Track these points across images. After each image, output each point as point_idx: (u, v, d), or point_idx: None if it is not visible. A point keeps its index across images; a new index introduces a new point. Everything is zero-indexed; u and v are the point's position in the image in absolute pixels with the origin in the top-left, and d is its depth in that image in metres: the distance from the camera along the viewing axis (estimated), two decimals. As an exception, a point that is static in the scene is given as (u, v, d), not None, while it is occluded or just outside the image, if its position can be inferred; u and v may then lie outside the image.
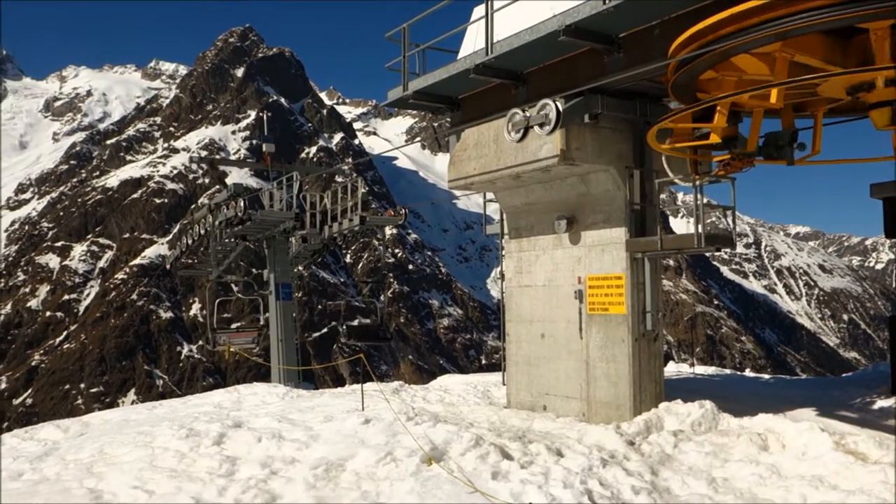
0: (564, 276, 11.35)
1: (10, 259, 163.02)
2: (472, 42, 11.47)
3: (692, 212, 9.80)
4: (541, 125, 9.50)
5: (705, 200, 9.68)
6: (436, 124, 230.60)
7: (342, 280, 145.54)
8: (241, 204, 20.90)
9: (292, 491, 7.75)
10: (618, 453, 8.75)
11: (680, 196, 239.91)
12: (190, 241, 25.52)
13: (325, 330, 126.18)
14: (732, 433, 9.16)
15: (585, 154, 10.16)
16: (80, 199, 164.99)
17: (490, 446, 8.65)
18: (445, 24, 12.30)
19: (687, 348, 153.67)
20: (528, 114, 9.74)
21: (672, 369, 19.15)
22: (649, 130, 9.07)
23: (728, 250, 10.21)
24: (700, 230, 9.44)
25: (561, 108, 9.26)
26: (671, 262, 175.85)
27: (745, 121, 9.06)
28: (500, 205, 12.78)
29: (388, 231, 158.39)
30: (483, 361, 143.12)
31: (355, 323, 17.44)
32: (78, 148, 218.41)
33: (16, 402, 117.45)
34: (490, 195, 13.86)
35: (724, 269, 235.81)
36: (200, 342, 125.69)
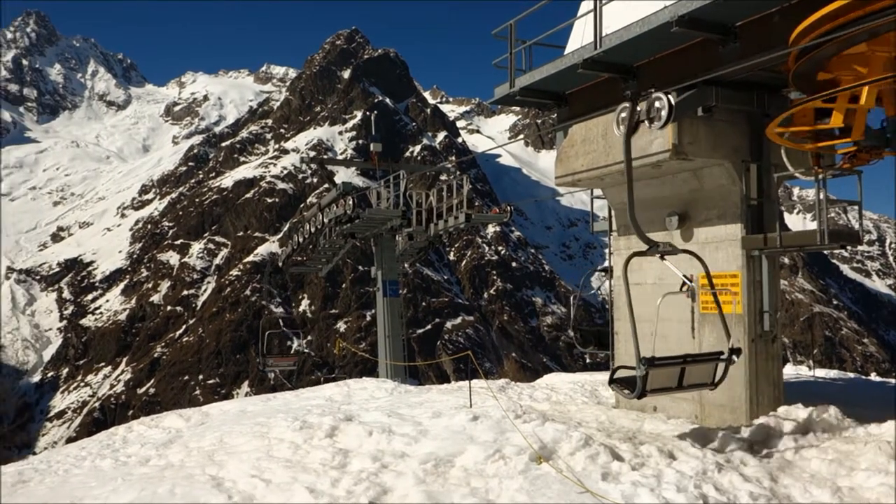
0: (675, 275, 11.04)
1: (135, 256, 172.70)
2: (580, 37, 11.31)
3: (810, 207, 9.35)
4: (652, 119, 9.27)
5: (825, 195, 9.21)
6: (539, 121, 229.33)
7: (445, 277, 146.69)
8: (350, 202, 21.37)
9: (403, 485, 7.86)
10: (734, 458, 8.44)
11: (796, 191, 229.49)
12: (301, 240, 26.28)
13: (429, 327, 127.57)
14: (859, 440, 8.68)
15: (699, 148, 9.86)
16: (197, 199, 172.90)
17: (600, 446, 8.52)
18: (552, 20, 12.21)
19: (803, 350, 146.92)
20: (638, 108, 9.52)
21: (790, 372, 18.37)
22: (769, 123, 8.71)
23: (850, 247, 9.64)
24: (823, 226, 8.99)
25: (673, 102, 9.01)
26: (786, 260, 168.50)
27: (873, 110, 8.55)
28: (609, 201, 12.56)
29: (492, 228, 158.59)
30: (587, 360, 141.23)
31: (586, 327, 15.77)
32: (195, 150, 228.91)
33: (140, 391, 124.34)
34: (597, 192, 13.65)
35: (845, 268, 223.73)
36: (310, 337, 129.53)
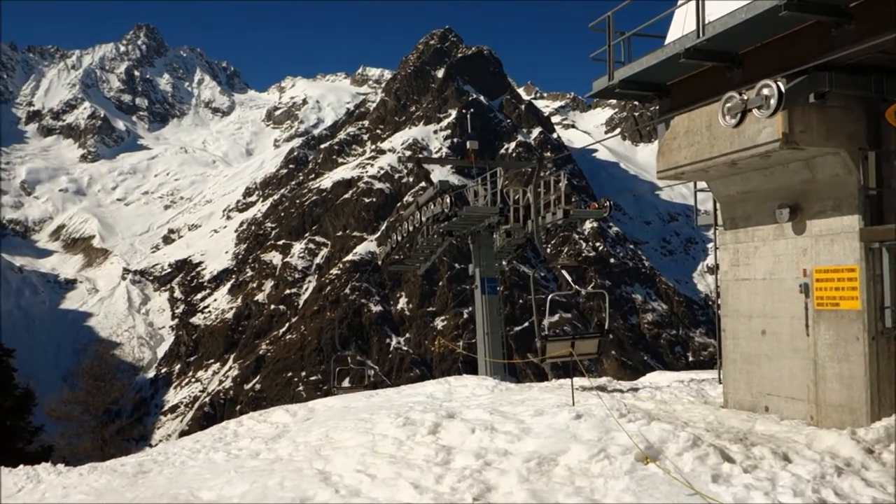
0: (787, 269, 10.60)
1: (240, 257, 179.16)
2: (681, 25, 10.98)
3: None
4: (760, 108, 8.90)
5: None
6: (637, 114, 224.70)
7: (542, 274, 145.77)
8: (448, 200, 21.48)
9: (506, 483, 7.84)
10: (854, 461, 8.02)
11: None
12: (399, 238, 26.60)
13: (526, 324, 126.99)
14: None
15: (811, 137, 9.40)
16: (298, 201, 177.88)
17: (709, 447, 8.26)
18: (651, 10, 11.91)
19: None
20: (745, 96, 9.17)
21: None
22: (887, 108, 8.23)
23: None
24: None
25: (783, 89, 8.63)
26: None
27: None
28: (714, 194, 12.16)
29: (589, 224, 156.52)
30: (690, 358, 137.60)
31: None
32: (295, 153, 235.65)
33: (246, 387, 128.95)
34: (701, 184, 13.24)
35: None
36: (408, 335, 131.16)
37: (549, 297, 18.06)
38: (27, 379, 26.64)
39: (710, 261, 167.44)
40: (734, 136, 9.96)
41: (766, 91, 8.78)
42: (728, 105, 9.43)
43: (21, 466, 12.94)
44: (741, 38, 9.81)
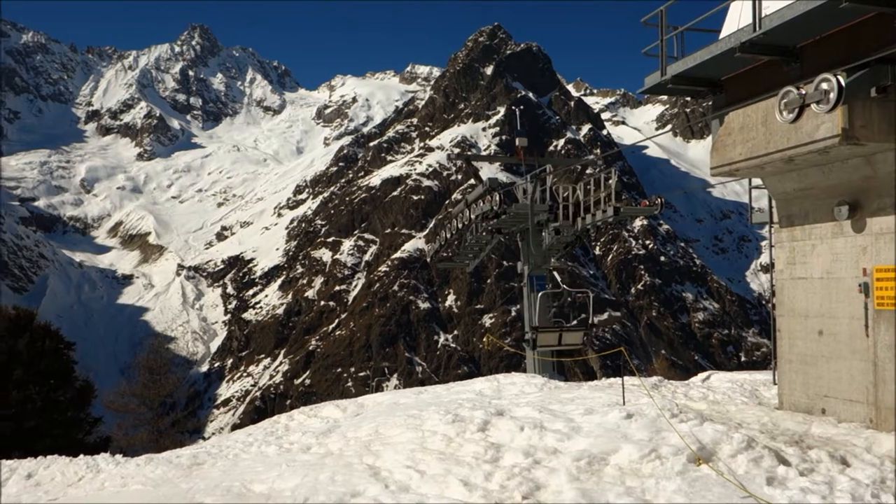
0: (846, 268, 10.32)
1: (291, 254, 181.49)
2: (737, 19, 10.78)
3: None
4: (818, 102, 8.69)
5: None
6: (688, 110, 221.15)
7: (591, 272, 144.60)
8: (497, 198, 21.42)
9: (556, 481, 7.80)
10: (916, 466, 7.80)
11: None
12: (448, 236, 26.63)
13: (574, 322, 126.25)
14: None
15: (872, 132, 9.14)
16: (347, 198, 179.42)
17: (764, 449, 8.09)
18: (704, 5, 11.71)
19: None
20: (803, 91, 8.96)
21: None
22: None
23: None
24: None
25: (843, 83, 8.40)
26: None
27: None
28: (769, 191, 11.90)
29: (638, 222, 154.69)
30: (742, 358, 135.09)
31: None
32: (345, 151, 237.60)
33: (296, 381, 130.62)
34: (756, 181, 12.97)
35: None
36: (455, 332, 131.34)
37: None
38: (87, 372, 27.37)
39: (764, 259, 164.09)
40: (791, 132, 9.75)
41: (825, 85, 8.57)
42: (785, 100, 9.23)
43: (81, 456, 13.32)
44: (799, 30, 9.58)
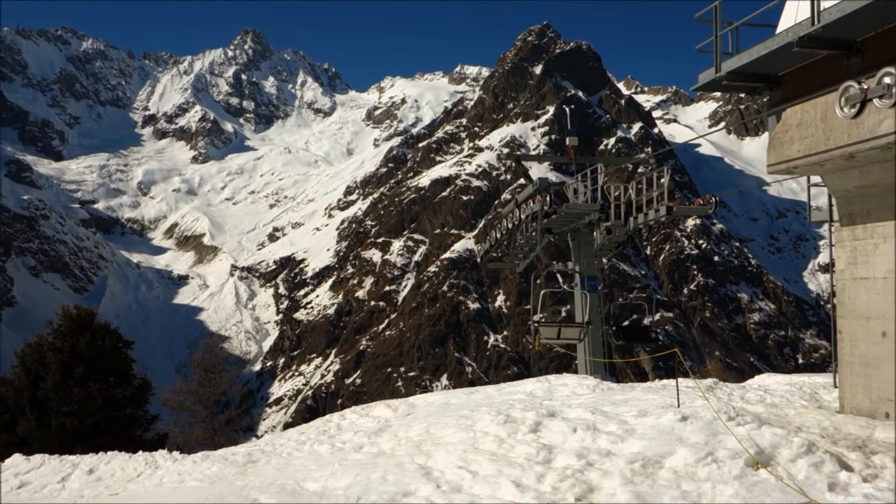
0: (912, 268, 9.99)
1: (341, 254, 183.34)
2: (794, 12, 10.51)
3: None
4: (881, 97, 8.45)
5: None
6: (742, 106, 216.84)
7: (643, 272, 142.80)
8: (547, 198, 21.29)
9: (609, 484, 7.72)
10: None
11: None
12: (497, 236, 26.55)
13: (626, 323, 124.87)
14: None
15: (937, 127, 8.84)
16: (397, 199, 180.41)
17: (825, 454, 7.88)
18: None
19: None
20: (864, 86, 8.71)
21: None
22: None
23: None
24: None
25: (907, 77, 8.14)
26: None
27: None
28: (829, 189, 11.59)
29: (691, 221, 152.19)
30: (800, 360, 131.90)
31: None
32: (394, 152, 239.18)
33: (347, 381, 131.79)
34: (815, 179, 12.65)
35: None
36: (505, 332, 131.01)
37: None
38: (144, 370, 28.01)
39: (822, 259, 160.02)
40: (852, 128, 9.48)
41: (888, 80, 8.33)
42: (846, 95, 8.99)
43: (140, 453, 13.64)
44: (860, 23, 9.30)
